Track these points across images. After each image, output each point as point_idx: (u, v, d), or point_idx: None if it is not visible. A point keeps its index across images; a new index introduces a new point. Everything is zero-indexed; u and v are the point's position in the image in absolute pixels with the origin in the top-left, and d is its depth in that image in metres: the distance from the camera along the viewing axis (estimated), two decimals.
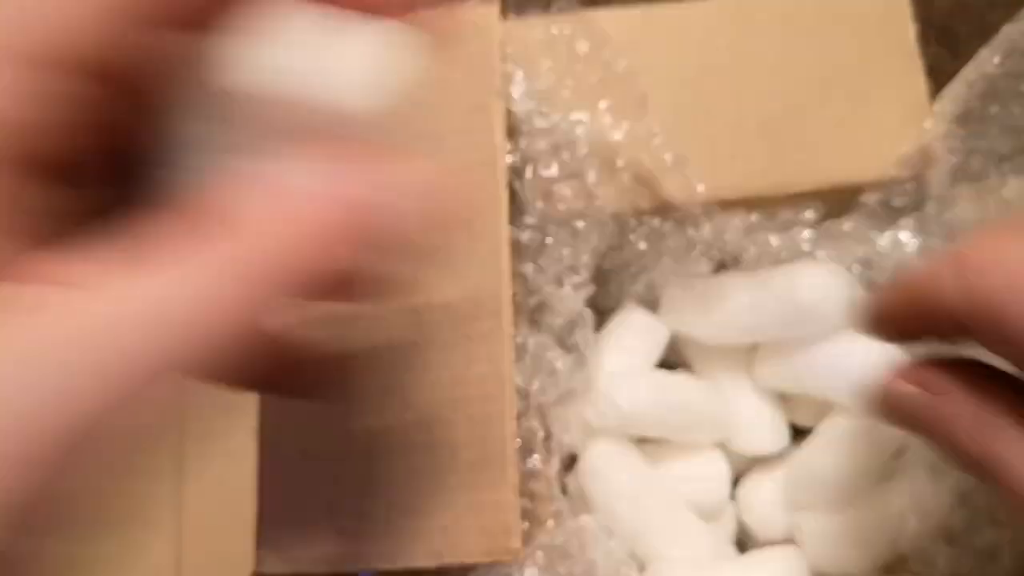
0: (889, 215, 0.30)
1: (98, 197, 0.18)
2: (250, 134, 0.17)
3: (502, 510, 0.25)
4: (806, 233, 0.31)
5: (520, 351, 0.29)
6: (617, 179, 0.30)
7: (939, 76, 0.30)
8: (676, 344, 0.34)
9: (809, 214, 0.31)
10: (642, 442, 0.32)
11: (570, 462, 0.32)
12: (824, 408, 0.32)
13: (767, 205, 0.31)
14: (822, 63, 0.31)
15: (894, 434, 0.29)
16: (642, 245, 0.31)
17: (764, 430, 0.33)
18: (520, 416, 0.27)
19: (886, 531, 0.30)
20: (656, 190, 0.30)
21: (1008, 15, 0.29)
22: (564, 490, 0.31)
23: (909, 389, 0.23)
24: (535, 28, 0.30)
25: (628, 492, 0.31)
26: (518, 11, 0.31)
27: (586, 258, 0.30)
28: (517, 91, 0.29)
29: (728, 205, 0.31)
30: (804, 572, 0.31)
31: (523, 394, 0.29)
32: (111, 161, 0.18)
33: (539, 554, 0.27)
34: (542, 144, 0.29)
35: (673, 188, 0.30)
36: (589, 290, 0.31)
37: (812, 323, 0.30)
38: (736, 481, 0.34)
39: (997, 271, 0.20)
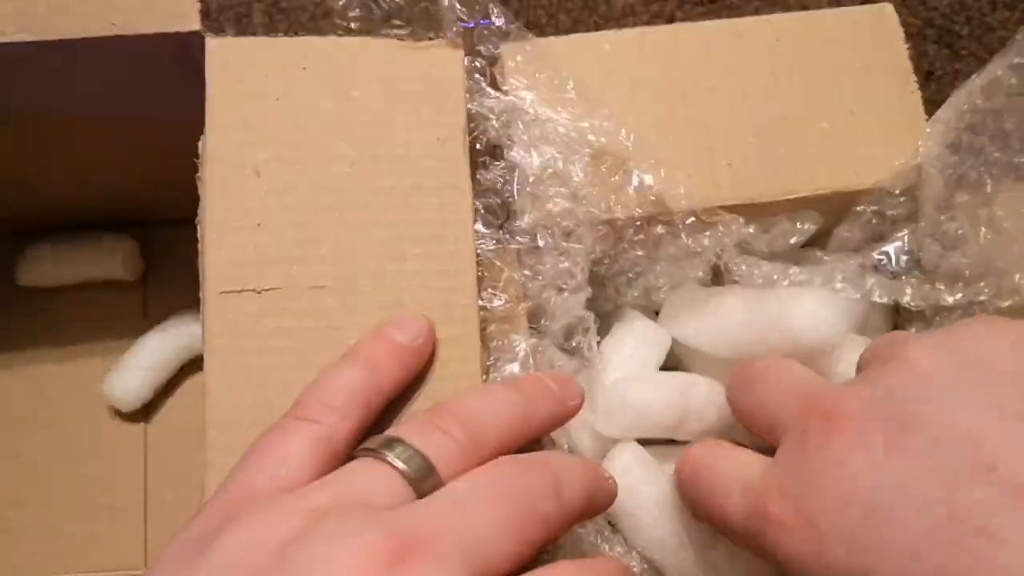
0: (884, 225, 0.30)
1: None
2: None
3: None
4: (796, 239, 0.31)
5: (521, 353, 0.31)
6: (612, 186, 0.32)
7: (939, 77, 0.29)
8: (675, 349, 0.34)
9: (804, 223, 0.31)
10: (646, 444, 0.33)
11: None
12: None
13: (762, 213, 0.31)
14: (818, 76, 0.32)
15: None
16: (638, 251, 0.32)
17: None
18: None
19: None
20: (652, 197, 0.32)
21: (1008, 15, 0.27)
22: None
23: None
24: (536, 45, 0.33)
25: (654, 504, 0.31)
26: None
27: (581, 263, 0.32)
28: (508, 102, 0.31)
29: (724, 212, 0.31)
30: None
31: None
32: None
33: None
34: (534, 153, 0.31)
35: (669, 196, 0.31)
36: (586, 294, 0.32)
37: (802, 350, 0.30)
38: None
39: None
